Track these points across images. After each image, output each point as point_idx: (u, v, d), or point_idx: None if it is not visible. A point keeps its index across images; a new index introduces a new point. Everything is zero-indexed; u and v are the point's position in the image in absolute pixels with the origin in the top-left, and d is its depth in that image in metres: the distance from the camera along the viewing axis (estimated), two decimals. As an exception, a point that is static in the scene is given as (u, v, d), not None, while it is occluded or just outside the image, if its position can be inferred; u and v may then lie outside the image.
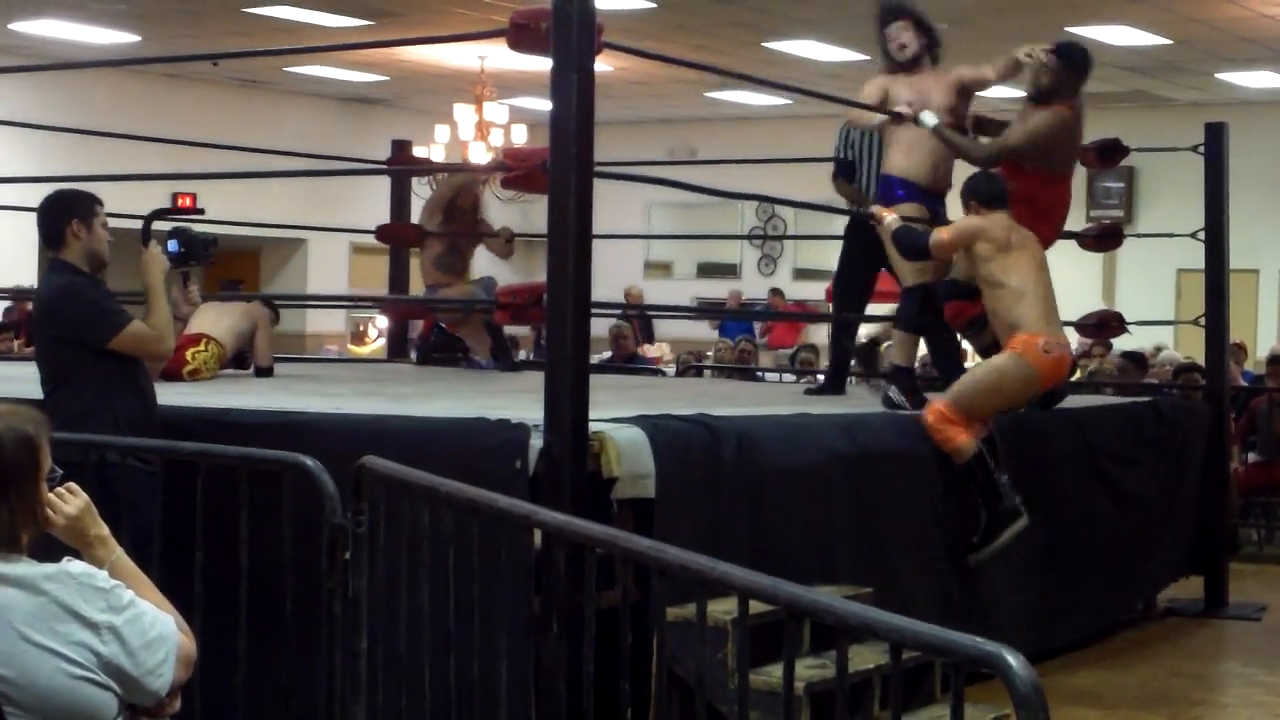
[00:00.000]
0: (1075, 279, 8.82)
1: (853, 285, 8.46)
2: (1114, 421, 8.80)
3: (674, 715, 5.17)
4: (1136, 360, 12.97)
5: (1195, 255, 9.82)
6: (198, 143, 10.77)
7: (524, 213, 16.13)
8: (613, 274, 17.56)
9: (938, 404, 7.01)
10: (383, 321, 15.72)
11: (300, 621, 4.91)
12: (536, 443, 5.37)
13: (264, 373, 8.96)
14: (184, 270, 6.29)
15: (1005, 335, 7.09)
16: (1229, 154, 9.57)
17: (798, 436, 6.46)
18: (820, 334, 20.44)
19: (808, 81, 14.67)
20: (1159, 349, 15.66)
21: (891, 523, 6.80)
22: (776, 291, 22.15)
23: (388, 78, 20.62)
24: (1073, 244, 9.15)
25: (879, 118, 7.96)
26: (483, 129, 18.36)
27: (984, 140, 8.16)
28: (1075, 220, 15.42)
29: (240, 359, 9.18)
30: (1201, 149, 9.58)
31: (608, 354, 14.94)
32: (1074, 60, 8.07)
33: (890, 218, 7.53)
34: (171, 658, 3.02)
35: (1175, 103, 19.81)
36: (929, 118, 7.74)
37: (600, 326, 10.92)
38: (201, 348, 8.37)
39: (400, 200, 10.92)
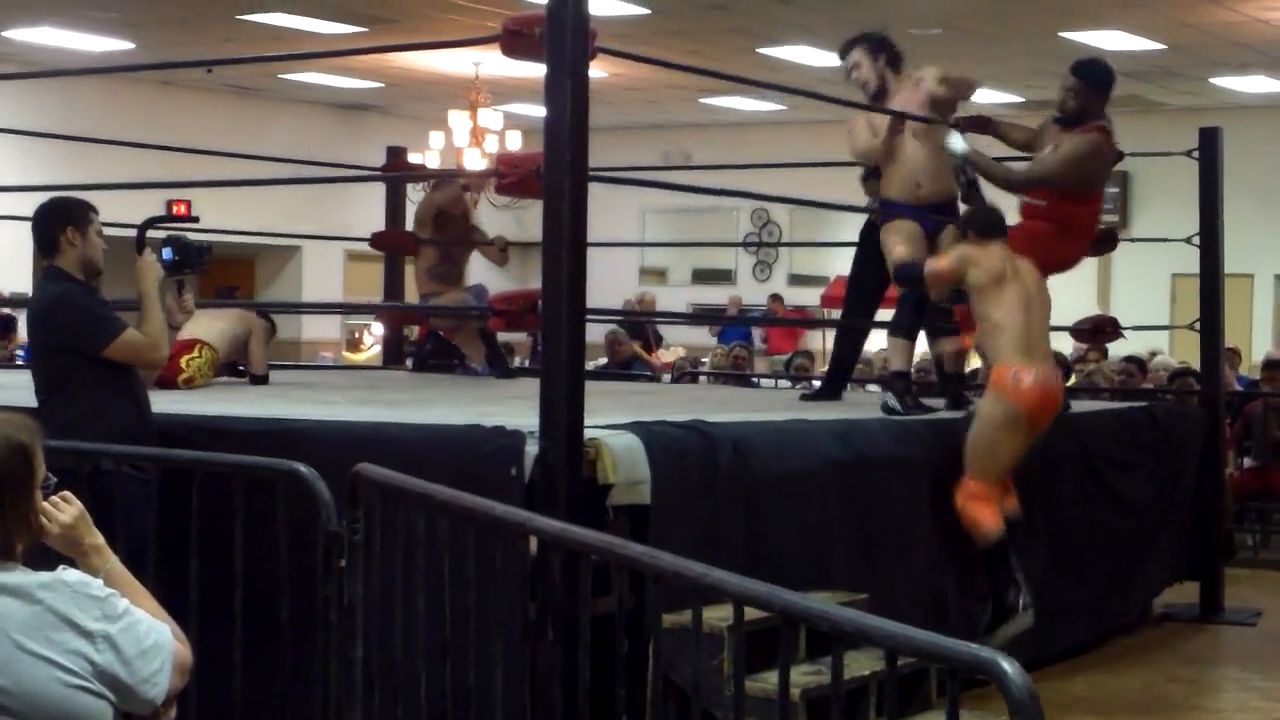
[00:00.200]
0: (1070, 284, 8.78)
1: (865, 290, 8.43)
2: (1109, 426, 8.80)
3: (670, 722, 5.16)
4: (1139, 364, 12.98)
5: (1190, 260, 9.82)
6: (192, 149, 10.76)
7: (519, 219, 16.15)
8: (608, 280, 17.55)
9: (962, 482, 6.96)
10: (378, 328, 15.70)
11: (296, 629, 4.91)
12: (532, 449, 5.36)
13: (259, 380, 8.95)
14: (178, 278, 6.29)
15: (986, 372, 7.04)
16: (1223, 158, 9.57)
17: (793, 442, 6.46)
18: (817, 340, 20.46)
19: (801, 87, 14.67)
20: (1154, 354, 15.67)
21: (887, 529, 6.80)
22: (776, 298, 22.13)
23: (382, 84, 20.63)
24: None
25: (877, 150, 7.96)
26: (477, 135, 18.37)
27: (1016, 167, 8.08)
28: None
29: (235, 367, 9.18)
30: (1196, 154, 9.58)
31: (603, 360, 14.95)
32: (1095, 77, 8.03)
33: (894, 256, 7.60)
34: (167, 666, 3.01)
35: (1169, 107, 19.82)
36: (957, 144, 7.72)
37: (596, 333, 10.92)
38: (195, 354, 8.37)
39: (395, 207, 10.92)
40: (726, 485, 5.90)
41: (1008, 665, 2.80)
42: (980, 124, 8.48)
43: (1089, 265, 18.08)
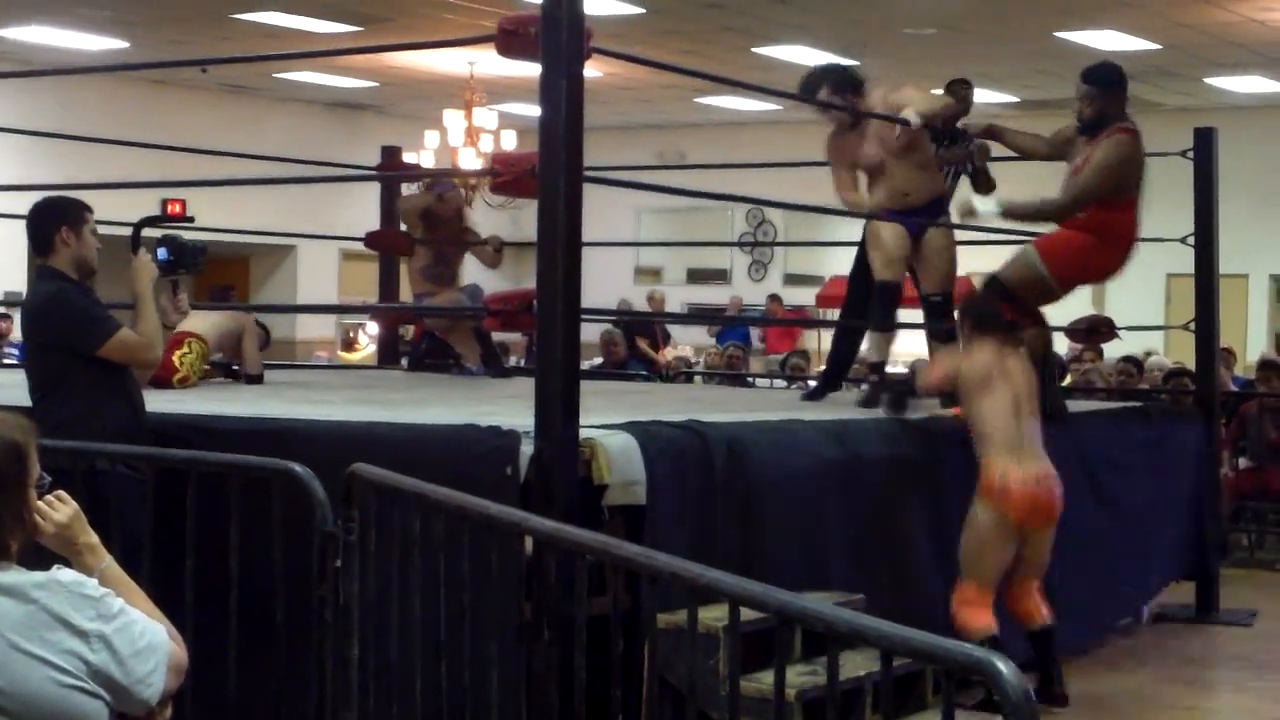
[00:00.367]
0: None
1: (865, 289, 8.43)
2: (1104, 427, 8.80)
3: (665, 722, 5.16)
4: (1137, 365, 12.98)
5: (1185, 260, 9.82)
6: (186, 148, 10.75)
7: (514, 219, 16.14)
8: (603, 279, 17.54)
9: (957, 586, 6.89)
10: (373, 328, 15.70)
11: (291, 629, 4.90)
12: (527, 449, 5.36)
13: (254, 380, 8.94)
14: (173, 278, 6.28)
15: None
16: (1218, 159, 9.57)
17: (788, 442, 6.46)
18: (813, 340, 20.46)
19: (796, 86, 14.68)
20: (1149, 354, 15.68)
21: (882, 529, 6.80)
22: (775, 298, 22.12)
23: (377, 83, 20.63)
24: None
25: (861, 201, 8.08)
26: (472, 135, 18.36)
27: (1049, 197, 7.99)
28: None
29: (230, 368, 9.16)
30: (1190, 154, 9.58)
31: (598, 360, 14.94)
32: (1106, 79, 7.97)
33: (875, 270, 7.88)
34: (162, 666, 3.00)
35: (1164, 107, 19.83)
36: (988, 205, 7.73)
37: (591, 332, 10.91)
38: (186, 349, 8.33)
39: (390, 207, 10.90)
40: (722, 485, 5.90)
41: (1003, 666, 2.80)
42: (989, 134, 8.50)
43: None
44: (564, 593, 4.40)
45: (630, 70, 17.53)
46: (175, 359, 8.20)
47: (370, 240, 10.54)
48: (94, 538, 3.18)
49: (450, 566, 4.43)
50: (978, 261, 8.90)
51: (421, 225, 10.10)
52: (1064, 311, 8.92)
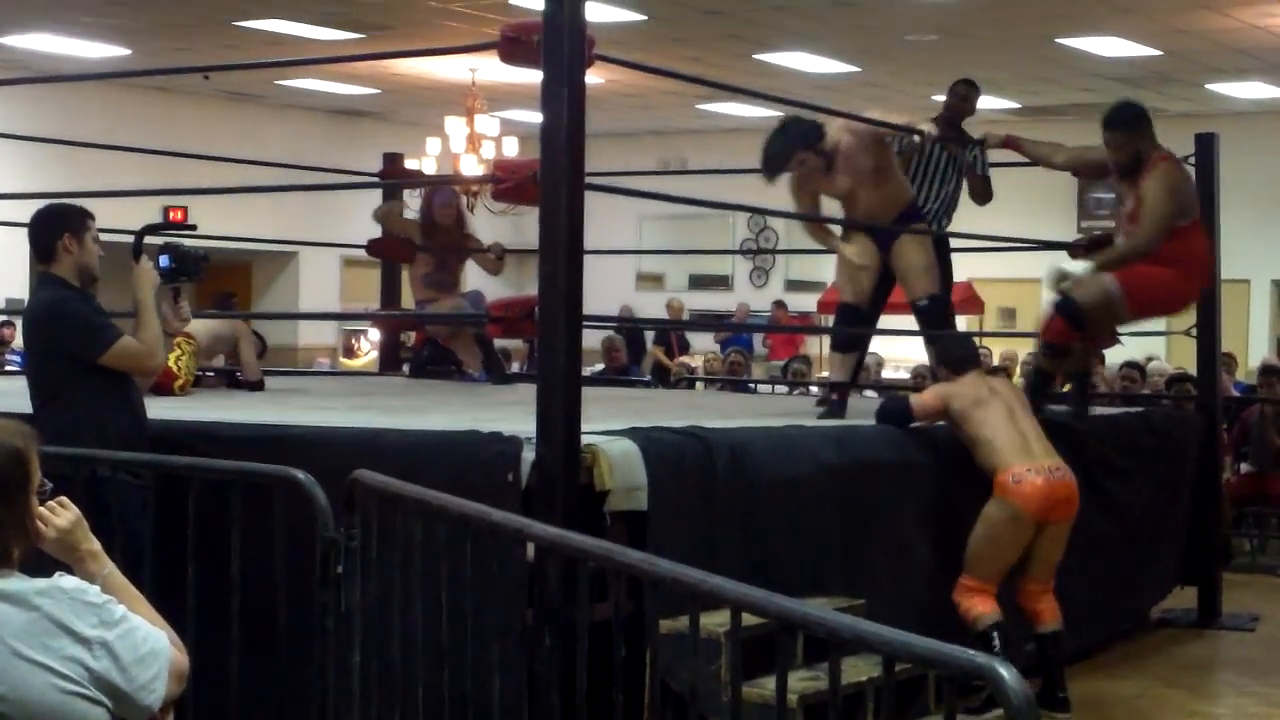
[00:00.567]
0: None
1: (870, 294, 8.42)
2: (1106, 432, 8.80)
3: (667, 728, 5.16)
4: (1141, 370, 12.98)
5: (1187, 265, 9.80)
6: (189, 154, 10.76)
7: (516, 226, 16.14)
8: (604, 286, 17.55)
9: (959, 580, 6.92)
10: (375, 334, 15.70)
11: (293, 636, 4.90)
12: (529, 455, 5.36)
13: (254, 387, 8.94)
14: (175, 286, 6.28)
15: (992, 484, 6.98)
16: (1219, 164, 9.57)
17: (790, 448, 6.46)
18: (815, 346, 20.44)
19: (798, 93, 14.69)
20: (1151, 359, 15.69)
21: (884, 534, 6.80)
22: (780, 304, 22.09)
23: (379, 91, 20.63)
24: (1064, 255, 9.17)
25: (835, 244, 8.15)
26: (474, 142, 18.36)
27: (1120, 241, 8.04)
28: (1067, 231, 15.46)
29: (232, 376, 9.16)
30: (1192, 159, 9.57)
31: (600, 366, 14.95)
32: (1126, 119, 7.91)
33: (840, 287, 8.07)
34: (164, 673, 3.01)
35: (1165, 113, 19.76)
36: (1060, 283, 7.88)
37: (593, 339, 10.91)
38: (178, 351, 8.29)
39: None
40: (724, 491, 5.90)
41: (1005, 671, 2.79)
42: (1008, 144, 8.50)
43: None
44: (566, 599, 4.40)
45: (632, 77, 17.53)
46: (171, 362, 8.18)
47: (372, 248, 10.55)
48: (96, 544, 3.18)
49: (452, 573, 4.43)
50: (977, 268, 8.91)
51: (421, 234, 10.11)
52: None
